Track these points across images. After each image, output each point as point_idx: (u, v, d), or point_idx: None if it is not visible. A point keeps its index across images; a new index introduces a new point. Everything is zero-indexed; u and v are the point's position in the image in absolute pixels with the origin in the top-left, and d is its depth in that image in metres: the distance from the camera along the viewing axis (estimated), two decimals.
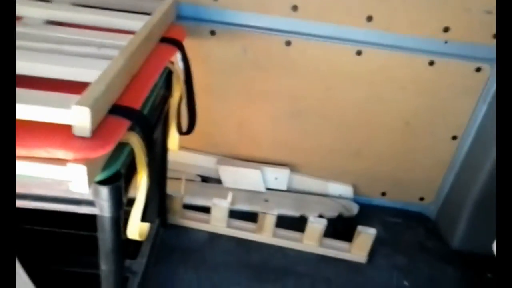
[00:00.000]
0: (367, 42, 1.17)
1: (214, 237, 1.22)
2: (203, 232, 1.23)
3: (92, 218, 0.68)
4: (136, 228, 0.72)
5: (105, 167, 0.63)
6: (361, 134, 1.33)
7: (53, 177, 0.58)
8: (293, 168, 1.39)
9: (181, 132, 1.03)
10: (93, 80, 0.63)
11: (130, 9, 0.97)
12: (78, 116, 0.57)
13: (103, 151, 0.58)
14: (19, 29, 0.80)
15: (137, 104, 0.69)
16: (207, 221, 1.23)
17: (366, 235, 1.18)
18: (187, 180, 1.28)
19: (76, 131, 0.58)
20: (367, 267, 1.21)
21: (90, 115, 0.57)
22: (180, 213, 1.23)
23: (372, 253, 1.22)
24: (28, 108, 0.57)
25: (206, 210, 1.25)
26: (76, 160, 0.56)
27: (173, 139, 1.04)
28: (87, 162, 0.57)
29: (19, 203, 0.63)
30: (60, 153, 0.56)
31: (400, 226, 1.38)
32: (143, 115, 0.71)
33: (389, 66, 1.20)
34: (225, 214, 1.21)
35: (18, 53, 0.71)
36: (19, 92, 0.60)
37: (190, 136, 1.06)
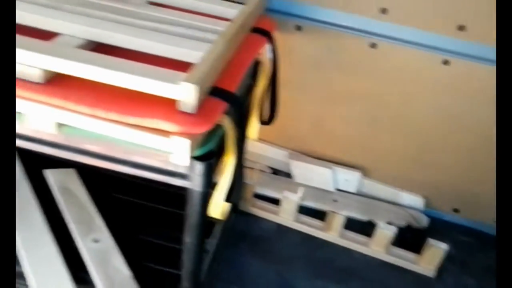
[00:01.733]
0: (455, 52, 1.13)
1: (282, 229, 1.23)
2: (271, 222, 1.25)
3: (177, 196, 0.71)
4: (219, 207, 0.75)
5: (201, 145, 0.66)
6: (438, 146, 1.28)
7: (156, 147, 0.62)
8: (364, 171, 1.37)
9: (262, 122, 1.05)
10: (193, 61, 0.66)
11: None
12: (186, 92, 0.60)
13: (205, 128, 0.61)
14: (124, 6, 0.84)
15: (232, 89, 0.71)
16: (276, 213, 1.25)
17: (437, 249, 1.14)
18: (259, 170, 1.30)
19: (182, 107, 0.61)
20: (435, 283, 1.17)
21: (196, 93, 0.60)
22: (251, 201, 1.26)
23: (440, 270, 1.18)
24: (139, 80, 0.61)
25: (273, 201, 1.27)
26: (180, 134, 0.60)
27: (253, 128, 1.06)
28: (190, 136, 0.60)
29: (121, 169, 0.68)
30: (166, 125, 0.60)
31: (472, 246, 1.31)
32: (239, 99, 0.73)
33: (477, 78, 1.15)
34: (294, 208, 1.21)
35: (124, 29, 0.75)
36: (131, 64, 0.64)
37: (265, 128, 1.08)
